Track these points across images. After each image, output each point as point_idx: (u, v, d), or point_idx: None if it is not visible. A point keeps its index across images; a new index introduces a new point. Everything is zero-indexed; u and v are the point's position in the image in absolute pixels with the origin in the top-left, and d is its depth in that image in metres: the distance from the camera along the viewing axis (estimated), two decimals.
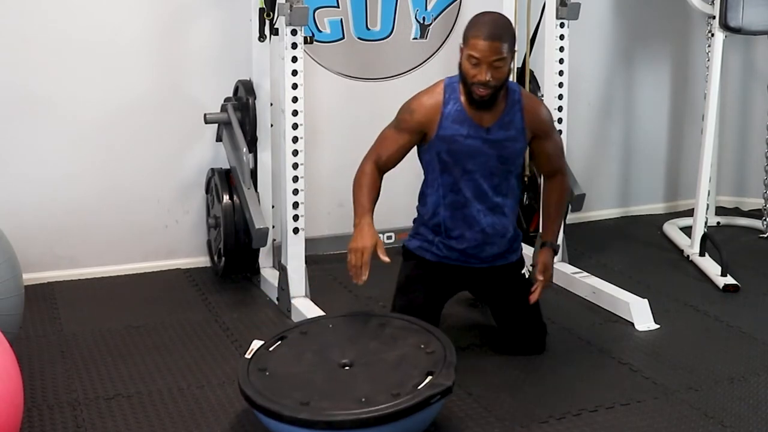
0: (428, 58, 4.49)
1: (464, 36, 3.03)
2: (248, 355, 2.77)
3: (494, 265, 3.24)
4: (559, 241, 4.06)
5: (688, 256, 4.33)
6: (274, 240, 3.97)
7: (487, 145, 3.11)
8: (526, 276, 3.38)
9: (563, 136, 4.02)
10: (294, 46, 3.47)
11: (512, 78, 4.28)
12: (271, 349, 2.82)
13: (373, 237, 3.01)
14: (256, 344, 2.84)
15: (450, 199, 3.19)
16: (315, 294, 3.68)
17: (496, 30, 2.96)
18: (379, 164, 3.15)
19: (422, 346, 2.78)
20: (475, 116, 3.09)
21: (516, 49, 3.10)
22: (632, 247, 4.61)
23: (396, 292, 3.30)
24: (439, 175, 3.18)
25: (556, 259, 4.03)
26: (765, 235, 4.73)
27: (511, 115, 3.12)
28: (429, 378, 2.61)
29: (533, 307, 3.26)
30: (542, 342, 3.29)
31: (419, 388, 2.57)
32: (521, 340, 3.25)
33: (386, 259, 2.98)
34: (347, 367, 2.71)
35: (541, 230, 3.51)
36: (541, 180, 3.64)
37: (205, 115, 3.92)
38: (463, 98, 3.09)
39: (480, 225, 3.17)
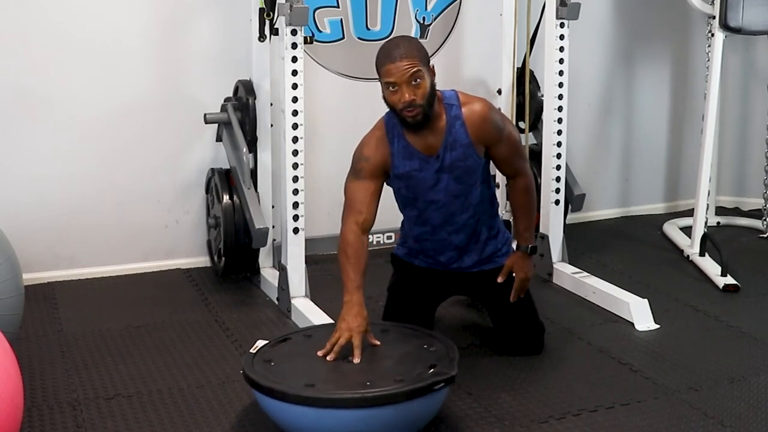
0: None
1: (376, 70, 2.94)
2: (253, 351, 2.79)
3: (483, 269, 3.23)
4: (558, 242, 4.07)
5: (688, 256, 4.33)
6: (274, 240, 3.97)
7: (441, 172, 3.04)
8: None
9: (563, 137, 4.02)
10: (294, 46, 3.47)
11: (511, 79, 4.33)
12: (275, 347, 2.84)
13: (365, 320, 2.82)
14: (261, 343, 2.85)
15: (417, 232, 3.20)
16: (315, 294, 3.68)
17: (400, 50, 2.88)
18: (360, 222, 2.99)
19: (425, 346, 2.82)
20: (422, 147, 3.02)
21: (432, 63, 2.96)
22: (632, 247, 4.61)
23: (387, 299, 3.33)
24: (403, 208, 3.19)
25: (555, 258, 4.05)
26: (765, 235, 4.72)
27: (454, 132, 3.01)
28: (432, 369, 2.65)
29: (528, 308, 3.26)
30: (540, 342, 3.28)
31: (423, 376, 2.61)
32: (518, 341, 3.25)
33: (376, 342, 2.83)
34: (351, 361, 2.73)
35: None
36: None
37: (205, 115, 3.93)
38: (405, 132, 3.01)
39: (452, 244, 3.19)
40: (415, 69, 2.86)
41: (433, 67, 2.97)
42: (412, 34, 4.43)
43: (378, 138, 3.05)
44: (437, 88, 3.02)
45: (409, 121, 2.94)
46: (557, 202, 4.07)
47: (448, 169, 3.04)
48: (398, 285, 3.31)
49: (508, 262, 3.20)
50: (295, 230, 3.60)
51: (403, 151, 3.03)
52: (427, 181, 3.06)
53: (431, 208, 3.12)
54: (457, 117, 3.01)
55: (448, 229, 3.15)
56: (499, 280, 3.17)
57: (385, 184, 3.11)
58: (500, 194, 4.43)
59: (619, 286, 3.76)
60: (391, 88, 2.90)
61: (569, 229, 4.30)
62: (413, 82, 2.87)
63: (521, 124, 4.39)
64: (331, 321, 3.35)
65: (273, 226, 3.95)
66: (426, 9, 4.46)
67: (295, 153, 3.55)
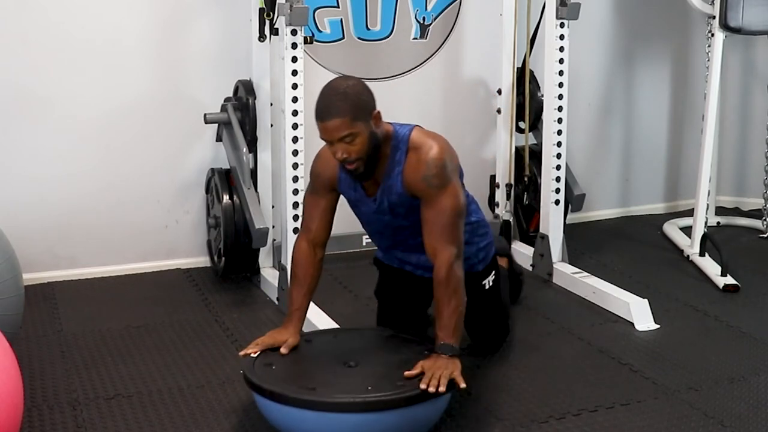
0: (428, 58, 4.49)
1: None
2: (254, 354, 2.78)
3: None
4: (558, 242, 4.06)
5: (688, 256, 4.33)
6: (274, 240, 3.97)
7: (380, 213, 2.91)
8: (488, 285, 3.16)
9: (563, 137, 4.02)
10: (294, 46, 3.47)
11: (511, 79, 4.33)
12: (276, 351, 2.82)
13: (286, 336, 2.82)
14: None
15: (376, 245, 3.16)
16: (315, 294, 3.67)
17: (328, 108, 2.67)
18: (311, 238, 2.95)
19: (426, 352, 2.76)
20: (364, 183, 2.89)
21: (376, 110, 2.72)
22: (632, 247, 4.61)
23: (377, 303, 3.30)
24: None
25: (555, 258, 4.04)
26: (765, 235, 4.73)
27: (393, 178, 2.81)
28: None
29: (490, 313, 3.20)
30: (496, 344, 3.25)
31: None
32: (477, 341, 3.23)
33: (284, 350, 2.79)
34: (351, 366, 2.72)
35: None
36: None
37: (205, 115, 3.92)
38: None
39: (411, 262, 3.07)
40: (344, 132, 2.67)
41: (377, 114, 2.74)
42: (412, 34, 4.44)
43: (330, 158, 2.84)
44: (396, 123, 2.86)
45: (348, 172, 2.81)
46: (557, 202, 4.07)
47: (388, 211, 2.89)
48: (382, 287, 3.27)
49: (419, 362, 2.65)
50: (295, 230, 3.60)
51: (348, 180, 2.89)
52: (368, 214, 2.96)
53: (376, 235, 3.07)
54: (399, 163, 2.80)
55: (400, 248, 3.07)
56: (407, 374, 2.62)
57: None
58: (501, 194, 4.45)
59: (619, 286, 3.76)
60: (326, 142, 2.77)
61: (569, 229, 4.30)
62: (345, 140, 2.69)
63: (521, 124, 4.40)
64: (330, 322, 3.36)
65: (273, 226, 3.95)
66: (426, 9, 4.46)
67: (295, 153, 3.55)
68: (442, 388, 2.54)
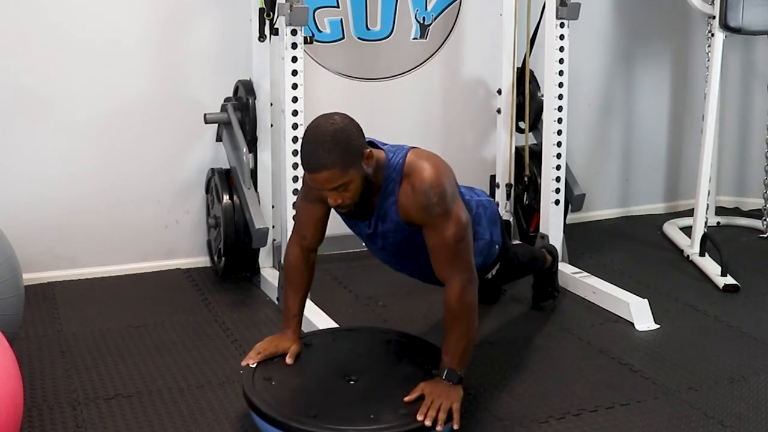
0: (428, 58, 4.49)
1: None
2: (253, 364, 2.77)
3: None
4: (559, 242, 4.06)
5: (688, 256, 4.33)
6: (274, 240, 3.97)
7: (375, 237, 2.80)
8: (491, 275, 3.17)
9: (563, 137, 4.02)
10: (294, 46, 3.47)
11: (511, 79, 4.32)
12: (275, 359, 2.81)
13: (288, 343, 2.81)
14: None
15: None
16: (315, 294, 3.66)
17: (316, 159, 2.49)
18: (305, 245, 2.86)
19: (427, 366, 2.74)
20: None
21: (367, 150, 2.57)
22: (632, 247, 4.61)
23: None
24: None
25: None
26: (765, 235, 4.73)
27: (385, 207, 2.69)
28: None
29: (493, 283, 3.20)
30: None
31: None
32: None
33: (290, 360, 2.77)
34: (352, 382, 2.70)
35: None
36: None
37: (205, 115, 3.93)
38: None
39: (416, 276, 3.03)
40: (336, 183, 2.53)
41: (368, 153, 2.58)
42: (412, 34, 4.44)
43: None
44: (390, 147, 2.74)
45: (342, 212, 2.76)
46: (557, 202, 4.07)
47: (382, 236, 2.79)
48: None
49: (420, 384, 2.62)
50: None
51: None
52: (362, 236, 2.86)
53: (376, 252, 2.95)
54: (392, 193, 2.67)
55: (399, 267, 3.03)
56: (406, 399, 2.58)
57: None
58: (501, 194, 4.45)
59: (619, 286, 3.76)
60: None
61: (569, 229, 4.30)
62: (338, 189, 2.56)
63: (521, 124, 4.40)
64: (330, 323, 3.36)
65: (273, 226, 3.95)
66: (426, 9, 4.46)
67: (295, 153, 3.55)
68: (439, 427, 2.47)
